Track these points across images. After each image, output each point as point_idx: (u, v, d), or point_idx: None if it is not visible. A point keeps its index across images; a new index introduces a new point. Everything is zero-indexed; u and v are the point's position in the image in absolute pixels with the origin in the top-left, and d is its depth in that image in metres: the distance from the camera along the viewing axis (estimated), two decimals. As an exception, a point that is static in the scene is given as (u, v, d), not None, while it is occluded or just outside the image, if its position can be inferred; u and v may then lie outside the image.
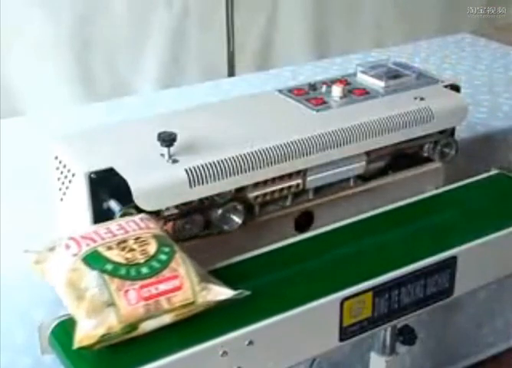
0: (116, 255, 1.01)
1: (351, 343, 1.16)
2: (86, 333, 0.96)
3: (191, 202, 1.17)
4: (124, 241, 1.03)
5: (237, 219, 1.21)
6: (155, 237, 1.05)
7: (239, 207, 1.21)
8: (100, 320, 0.96)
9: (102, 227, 1.06)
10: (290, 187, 1.27)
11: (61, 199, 1.20)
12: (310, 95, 1.38)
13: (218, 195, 1.18)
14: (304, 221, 1.32)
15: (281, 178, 1.25)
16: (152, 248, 1.03)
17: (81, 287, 0.98)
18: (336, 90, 1.37)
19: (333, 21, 3.07)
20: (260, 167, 1.19)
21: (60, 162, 1.17)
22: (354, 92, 1.39)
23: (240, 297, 1.04)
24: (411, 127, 1.34)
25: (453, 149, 1.43)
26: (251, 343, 1.04)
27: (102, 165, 1.11)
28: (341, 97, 1.37)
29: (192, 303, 1.01)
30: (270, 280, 1.17)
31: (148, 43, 2.69)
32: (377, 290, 1.15)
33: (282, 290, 1.14)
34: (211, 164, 1.15)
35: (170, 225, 1.17)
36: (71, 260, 1.01)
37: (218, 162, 1.16)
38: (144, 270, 1.00)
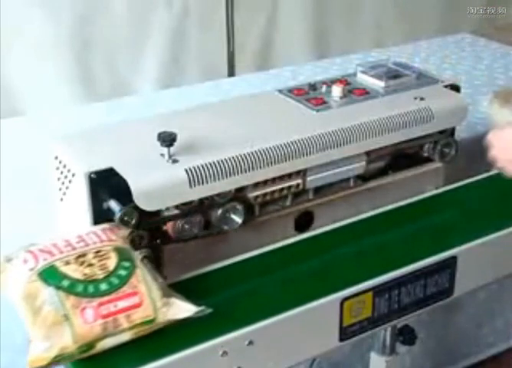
0: (73, 271, 0.98)
1: (351, 343, 1.16)
2: (38, 355, 0.93)
3: (191, 202, 1.17)
4: (83, 254, 1.00)
5: (237, 219, 1.21)
6: (116, 250, 1.03)
7: (239, 207, 1.21)
8: (53, 340, 0.94)
9: (61, 239, 1.03)
10: (290, 187, 1.27)
11: (61, 199, 1.20)
12: (310, 95, 1.38)
13: (218, 195, 1.18)
14: (304, 221, 1.32)
15: (281, 178, 1.25)
16: (111, 262, 1.01)
17: (37, 303, 0.96)
18: (336, 90, 1.37)
19: (333, 21, 3.07)
20: (260, 167, 1.19)
21: (60, 162, 1.17)
22: (354, 92, 1.39)
23: (202, 314, 1.02)
24: (411, 127, 1.34)
25: (453, 149, 1.43)
26: (251, 343, 1.04)
27: (102, 165, 1.11)
28: (341, 97, 1.37)
29: (153, 320, 1.00)
30: (271, 281, 1.17)
31: (148, 43, 2.69)
32: (377, 290, 1.15)
33: (282, 290, 1.14)
34: (211, 164, 1.15)
35: (170, 225, 1.17)
36: (28, 274, 0.98)
37: (218, 162, 1.16)
38: (103, 286, 0.98)
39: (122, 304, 0.98)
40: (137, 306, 0.98)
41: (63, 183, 1.17)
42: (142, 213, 1.12)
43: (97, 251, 1.01)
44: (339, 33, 3.09)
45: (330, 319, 1.12)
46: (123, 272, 1.00)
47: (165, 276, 1.13)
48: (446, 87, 1.44)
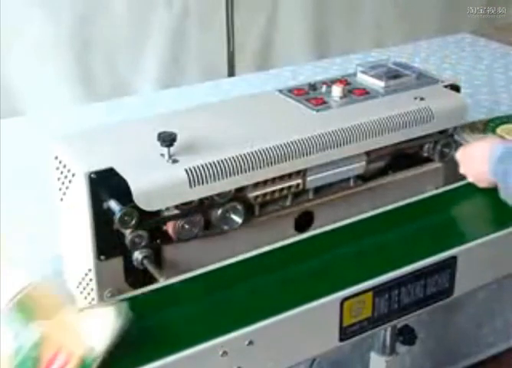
0: None
1: (351, 343, 1.16)
2: None
3: (191, 202, 1.17)
4: None
5: (237, 219, 1.21)
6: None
7: (239, 207, 1.21)
8: None
9: None
10: (290, 187, 1.27)
11: (61, 199, 1.20)
12: (310, 95, 1.38)
13: (218, 195, 1.18)
14: (304, 221, 1.32)
15: (281, 178, 1.25)
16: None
17: None
18: (336, 90, 1.37)
19: (333, 21, 3.07)
20: (260, 167, 1.19)
21: (60, 162, 1.17)
22: (354, 92, 1.39)
23: (125, 313, 0.98)
24: (411, 127, 1.34)
25: (453, 149, 1.43)
26: (251, 343, 1.04)
27: (102, 165, 1.11)
28: (341, 97, 1.37)
29: (92, 349, 0.95)
30: (271, 281, 1.17)
31: (148, 43, 2.69)
32: (377, 290, 1.15)
33: (282, 290, 1.14)
34: (211, 164, 1.15)
35: (170, 224, 1.17)
36: None
37: (218, 162, 1.16)
38: None
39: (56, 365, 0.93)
40: (70, 355, 0.93)
41: (63, 183, 1.17)
42: (142, 213, 1.12)
43: None
44: (339, 33, 3.09)
45: (330, 319, 1.12)
46: (31, 354, 0.93)
47: (165, 276, 1.13)
48: (446, 87, 1.44)
